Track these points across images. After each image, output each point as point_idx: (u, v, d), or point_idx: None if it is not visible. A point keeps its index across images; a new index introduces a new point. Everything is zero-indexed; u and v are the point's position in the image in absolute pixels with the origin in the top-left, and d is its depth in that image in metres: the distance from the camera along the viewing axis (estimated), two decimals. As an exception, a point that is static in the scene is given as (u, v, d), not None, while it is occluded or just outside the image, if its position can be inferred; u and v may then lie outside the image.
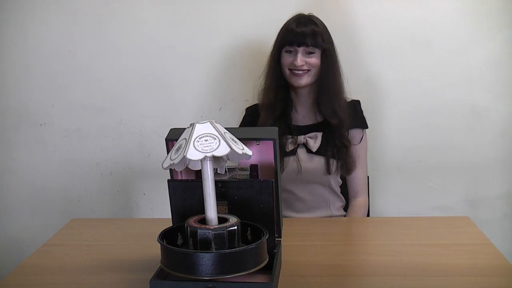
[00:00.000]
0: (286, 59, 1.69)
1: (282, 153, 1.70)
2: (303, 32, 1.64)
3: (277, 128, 1.24)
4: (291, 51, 1.67)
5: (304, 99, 1.75)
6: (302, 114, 1.77)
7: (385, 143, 2.12)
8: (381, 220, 1.65)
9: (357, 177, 1.76)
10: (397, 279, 1.18)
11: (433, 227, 1.49)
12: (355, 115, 1.76)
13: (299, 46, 1.65)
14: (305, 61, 1.66)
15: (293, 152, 1.71)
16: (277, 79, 1.72)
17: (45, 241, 1.48)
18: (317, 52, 1.67)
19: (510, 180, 2.14)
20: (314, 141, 1.70)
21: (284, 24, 1.71)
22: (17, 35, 2.14)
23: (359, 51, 2.05)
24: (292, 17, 1.71)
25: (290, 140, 1.71)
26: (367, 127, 1.80)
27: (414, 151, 2.13)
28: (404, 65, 2.06)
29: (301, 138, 1.71)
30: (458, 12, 2.01)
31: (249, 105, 1.87)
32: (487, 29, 2.01)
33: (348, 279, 1.20)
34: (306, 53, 1.66)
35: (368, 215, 1.90)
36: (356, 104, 1.80)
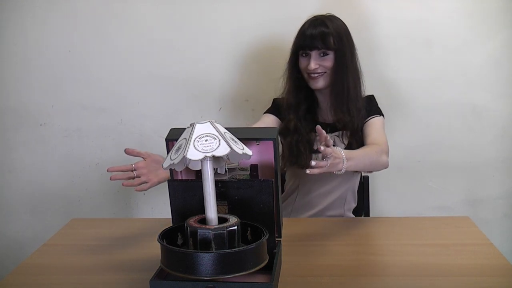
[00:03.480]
0: (302, 62, 1.70)
1: (311, 150, 1.71)
2: (312, 35, 1.65)
3: (277, 128, 1.25)
4: (306, 54, 1.69)
5: (327, 98, 1.76)
6: (327, 112, 1.77)
7: (385, 143, 2.12)
8: (381, 220, 1.65)
9: (372, 141, 1.66)
10: (397, 279, 1.18)
11: (433, 227, 1.49)
12: (370, 107, 1.75)
13: (311, 50, 1.66)
14: (319, 64, 1.67)
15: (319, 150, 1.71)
16: (297, 81, 1.74)
17: (45, 241, 1.49)
18: (331, 54, 1.67)
19: (510, 180, 2.14)
20: (341, 140, 1.71)
21: (300, 27, 1.71)
22: (17, 35, 2.14)
23: (359, 51, 2.04)
24: (308, 20, 1.70)
25: (318, 137, 1.72)
26: (380, 114, 1.75)
27: (414, 151, 2.13)
28: (404, 65, 2.06)
29: (329, 137, 1.72)
30: (458, 12, 2.01)
31: (277, 97, 1.85)
32: (487, 29, 2.01)
33: (348, 279, 1.20)
34: (320, 55, 1.67)
35: (368, 215, 1.90)
36: (370, 97, 1.80)
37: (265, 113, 1.82)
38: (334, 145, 1.68)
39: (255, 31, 2.07)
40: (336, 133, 1.72)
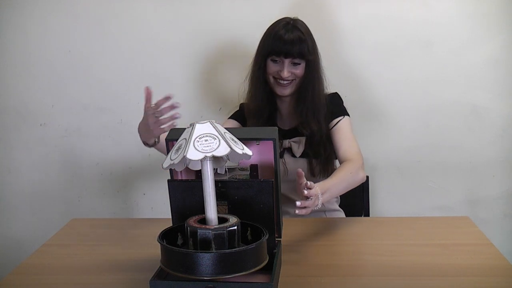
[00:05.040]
0: (272, 68, 1.66)
1: None
2: (292, 41, 1.60)
3: (277, 128, 1.25)
4: (277, 60, 1.65)
5: (287, 104, 1.76)
6: (286, 118, 1.77)
7: (385, 143, 2.12)
8: (381, 220, 1.65)
9: (344, 153, 1.63)
10: (397, 279, 1.18)
11: (433, 227, 1.49)
12: (334, 107, 1.73)
13: (286, 57, 1.63)
14: (291, 72, 1.65)
15: (280, 156, 1.71)
16: (263, 85, 1.71)
17: (45, 241, 1.49)
18: (302, 63, 1.65)
19: (510, 180, 2.14)
20: (298, 145, 1.70)
21: (269, 30, 1.67)
22: (17, 35, 2.14)
23: (358, 51, 2.05)
24: (278, 23, 1.67)
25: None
26: (344, 115, 1.71)
27: (414, 151, 2.13)
28: (404, 65, 2.06)
29: (286, 142, 1.72)
30: (458, 12, 2.01)
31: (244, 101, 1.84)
32: (487, 29, 2.01)
33: (348, 279, 1.20)
34: (291, 63, 1.64)
35: (368, 215, 1.90)
36: (333, 97, 1.76)
37: (229, 118, 1.82)
38: (291, 149, 1.68)
39: (255, 30, 2.06)
40: (294, 139, 1.72)
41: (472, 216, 1.59)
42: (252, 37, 2.07)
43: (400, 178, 2.16)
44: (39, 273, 1.28)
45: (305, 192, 1.23)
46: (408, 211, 2.17)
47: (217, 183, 1.16)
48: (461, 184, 2.15)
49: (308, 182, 1.25)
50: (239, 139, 1.13)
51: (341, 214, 1.81)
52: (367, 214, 1.90)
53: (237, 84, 2.12)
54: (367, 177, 1.90)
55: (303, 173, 1.27)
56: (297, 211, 1.21)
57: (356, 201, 1.86)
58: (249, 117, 1.76)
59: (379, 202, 2.17)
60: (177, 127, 1.31)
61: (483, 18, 2.00)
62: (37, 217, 2.30)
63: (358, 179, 1.55)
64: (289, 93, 1.69)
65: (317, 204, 1.30)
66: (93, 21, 2.11)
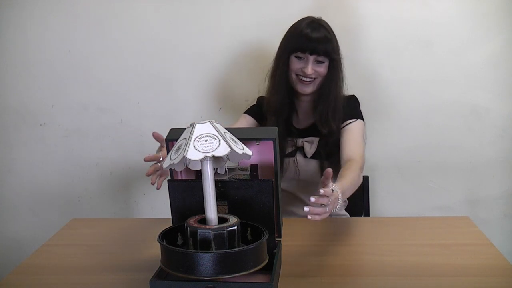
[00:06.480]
0: (296, 64, 1.65)
1: (282, 155, 1.70)
2: (318, 39, 1.60)
3: (277, 128, 1.25)
4: (301, 57, 1.64)
5: (305, 103, 1.75)
6: (302, 117, 1.77)
7: (385, 143, 2.12)
8: (381, 220, 1.65)
9: (348, 153, 1.62)
10: (397, 279, 1.18)
11: (433, 227, 1.49)
12: (350, 109, 1.73)
13: (311, 54, 1.62)
14: (314, 69, 1.64)
15: (292, 154, 1.72)
16: (285, 83, 1.70)
17: (45, 241, 1.49)
18: (326, 62, 1.65)
19: (510, 180, 2.14)
20: (310, 145, 1.71)
21: (295, 27, 1.67)
22: (17, 35, 2.14)
23: (359, 50, 2.05)
24: (304, 21, 1.66)
25: (289, 142, 1.72)
26: (358, 118, 1.72)
27: (414, 151, 2.13)
28: (404, 65, 2.06)
29: (300, 142, 1.72)
30: (458, 12, 2.01)
31: (262, 95, 1.83)
32: (487, 29, 2.01)
33: (348, 279, 1.20)
34: (316, 61, 1.64)
35: (368, 215, 1.90)
36: (350, 99, 1.77)
37: (245, 112, 1.82)
38: (303, 149, 1.68)
39: (255, 30, 2.07)
40: (307, 139, 1.72)
41: (472, 216, 1.59)
42: (252, 37, 2.08)
43: (400, 178, 2.16)
44: (39, 273, 1.28)
45: (322, 191, 1.13)
46: (408, 211, 2.17)
47: (217, 183, 1.16)
48: (461, 184, 2.15)
49: (331, 189, 1.17)
50: (239, 139, 1.13)
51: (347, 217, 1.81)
52: (367, 214, 1.90)
53: (237, 84, 2.13)
54: (367, 177, 1.90)
55: (331, 173, 1.20)
56: (309, 217, 1.12)
57: (356, 201, 1.86)
58: (269, 114, 1.73)
59: (379, 202, 2.17)
60: (177, 127, 1.31)
61: (483, 18, 2.00)
62: (37, 217, 2.30)
63: (360, 182, 1.54)
64: (310, 91, 1.68)
65: (337, 206, 1.23)
66: (93, 21, 2.11)
